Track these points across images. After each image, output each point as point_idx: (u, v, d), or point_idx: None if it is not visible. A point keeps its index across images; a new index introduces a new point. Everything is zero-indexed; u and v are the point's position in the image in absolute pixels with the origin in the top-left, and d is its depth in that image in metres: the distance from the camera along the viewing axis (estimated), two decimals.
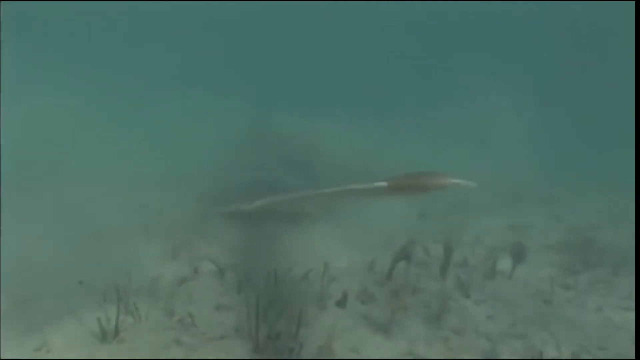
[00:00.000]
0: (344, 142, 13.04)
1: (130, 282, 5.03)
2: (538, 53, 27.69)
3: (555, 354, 3.94)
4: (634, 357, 3.91)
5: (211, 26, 28.60)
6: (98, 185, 7.85)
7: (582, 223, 8.73)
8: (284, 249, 6.20)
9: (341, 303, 4.63)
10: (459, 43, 27.51)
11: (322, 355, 3.79)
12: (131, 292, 4.93)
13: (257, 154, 9.60)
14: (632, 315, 4.78)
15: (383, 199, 3.35)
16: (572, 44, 26.22)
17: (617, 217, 9.11)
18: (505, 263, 5.99)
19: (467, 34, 27.33)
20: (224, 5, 25.49)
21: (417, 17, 26.41)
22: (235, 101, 14.29)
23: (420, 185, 2.65)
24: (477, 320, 4.54)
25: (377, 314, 4.55)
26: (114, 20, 25.87)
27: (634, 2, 14.51)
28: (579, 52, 26.21)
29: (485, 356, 3.93)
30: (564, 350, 3.94)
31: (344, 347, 3.94)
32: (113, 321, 4.04)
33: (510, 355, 3.94)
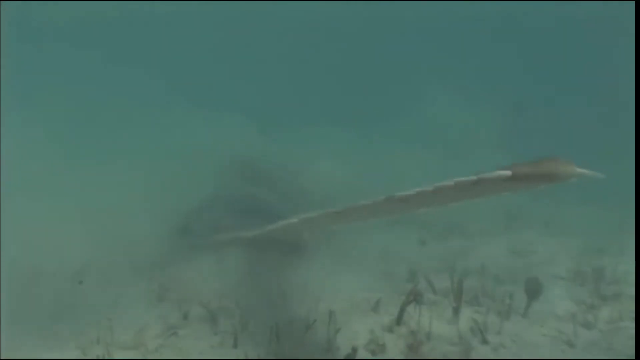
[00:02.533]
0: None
1: (113, 335, 4.52)
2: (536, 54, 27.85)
3: None
4: (634, 357, 3.56)
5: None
6: (73, 216, 7.32)
7: (586, 247, 8.44)
8: (280, 290, 5.73)
9: (350, 357, 4.17)
10: (447, 43, 27.52)
11: None
12: (114, 346, 4.43)
13: (248, 178, 9.17)
14: None
15: (494, 194, 2.85)
16: (571, 44, 26.41)
17: (622, 240, 8.83)
18: (517, 297, 5.63)
19: (461, 34, 27.36)
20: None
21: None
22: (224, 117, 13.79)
23: (548, 173, 2.26)
24: None
25: None
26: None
27: (634, 2, 14.50)
28: (578, 52, 26.39)
29: None
30: None
31: None
32: None
33: None
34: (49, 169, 8.89)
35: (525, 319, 5.28)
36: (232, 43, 29.82)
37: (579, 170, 2.27)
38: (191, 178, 9.05)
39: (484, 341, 4.61)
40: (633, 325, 5.22)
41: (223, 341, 4.62)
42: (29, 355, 4.28)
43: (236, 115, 14.59)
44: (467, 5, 24.25)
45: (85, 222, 6.92)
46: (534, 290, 5.32)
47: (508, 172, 2.28)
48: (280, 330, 4.25)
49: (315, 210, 3.73)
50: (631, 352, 4.59)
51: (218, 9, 25.10)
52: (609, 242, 8.99)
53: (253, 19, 26.61)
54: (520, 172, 2.28)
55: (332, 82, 28.80)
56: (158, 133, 12.73)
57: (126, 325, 4.92)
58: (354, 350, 4.19)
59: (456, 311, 5.13)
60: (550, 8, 23.38)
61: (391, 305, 5.44)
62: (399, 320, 4.89)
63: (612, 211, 11.98)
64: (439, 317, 5.12)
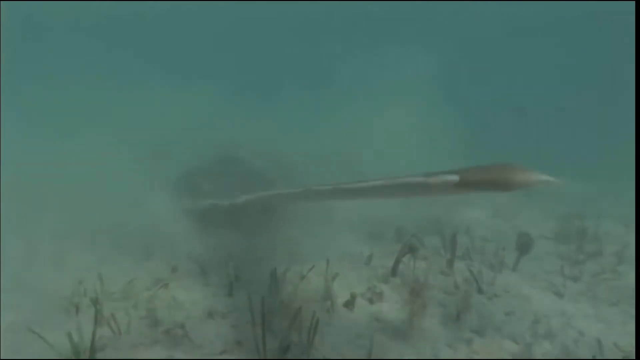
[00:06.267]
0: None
1: (103, 285, 4.36)
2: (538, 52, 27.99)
3: (589, 355, 3.61)
4: (634, 357, 3.64)
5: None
6: (60, 179, 7.11)
7: (566, 212, 8.63)
8: (273, 244, 5.66)
9: (349, 304, 4.14)
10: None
11: None
12: (104, 297, 4.26)
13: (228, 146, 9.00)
14: None
15: (442, 195, 2.65)
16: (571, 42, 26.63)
17: (601, 206, 9.08)
18: (506, 254, 5.72)
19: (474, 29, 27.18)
20: None
21: None
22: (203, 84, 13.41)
23: (501, 181, 1.99)
24: (497, 319, 4.16)
25: (389, 315, 4.10)
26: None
27: (634, 2, 14.59)
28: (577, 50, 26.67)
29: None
30: (600, 351, 3.62)
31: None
32: (86, 335, 3.36)
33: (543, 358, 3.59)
34: (36, 140, 8.73)
35: (515, 272, 5.37)
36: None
37: (542, 178, 2.01)
38: (172, 147, 8.85)
39: (480, 290, 4.65)
40: (614, 277, 5.40)
41: (216, 292, 4.51)
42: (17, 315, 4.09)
43: (208, 83, 14.22)
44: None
45: (71, 186, 6.73)
46: (525, 245, 5.40)
47: (455, 178, 2.05)
48: (278, 276, 4.16)
49: (276, 189, 3.64)
50: (614, 300, 4.74)
51: None
52: (587, 208, 9.23)
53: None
54: (468, 178, 2.04)
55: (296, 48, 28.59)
56: (139, 104, 12.38)
57: (114, 279, 4.75)
58: (353, 297, 4.16)
59: (450, 263, 5.16)
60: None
61: (383, 260, 5.45)
62: (394, 272, 4.89)
63: (588, 181, 12.32)
64: (432, 270, 5.14)
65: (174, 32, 27.51)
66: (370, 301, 4.34)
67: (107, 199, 6.80)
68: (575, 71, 25.87)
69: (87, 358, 3.14)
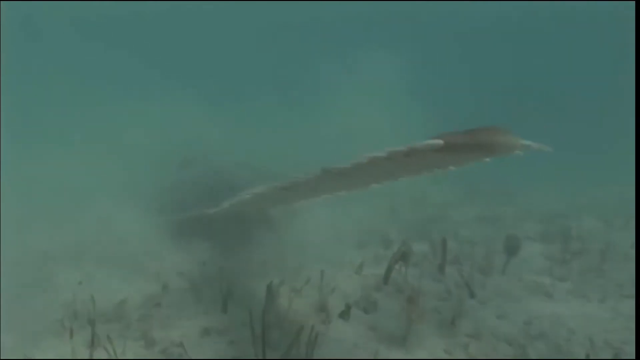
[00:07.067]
0: None
1: (94, 306, 4.27)
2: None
3: (581, 353, 3.69)
4: (634, 357, 3.73)
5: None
6: (42, 194, 6.98)
7: (548, 213, 8.82)
8: (262, 256, 5.64)
9: (345, 314, 4.15)
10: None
11: None
12: (95, 318, 4.18)
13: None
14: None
15: (427, 168, 2.53)
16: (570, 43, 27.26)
17: (580, 205, 9.31)
18: (494, 257, 5.81)
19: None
20: None
21: None
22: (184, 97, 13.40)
23: (485, 143, 1.93)
24: (490, 322, 4.22)
25: (384, 324, 4.11)
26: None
27: (634, 2, 14.91)
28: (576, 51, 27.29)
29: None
30: (592, 348, 3.70)
31: None
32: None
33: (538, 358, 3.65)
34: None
35: (505, 275, 5.45)
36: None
37: (522, 141, 1.95)
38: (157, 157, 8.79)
39: (472, 295, 4.71)
40: (600, 274, 5.54)
41: (209, 308, 4.47)
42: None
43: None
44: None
45: (53, 203, 6.64)
46: (513, 247, 5.50)
47: (440, 142, 1.96)
48: (273, 290, 4.15)
49: (262, 186, 3.52)
50: (602, 297, 4.86)
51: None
52: (567, 209, 9.45)
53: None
54: (453, 141, 1.96)
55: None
56: (135, 105, 12.33)
57: (104, 299, 4.67)
58: (348, 307, 4.17)
59: (441, 268, 5.22)
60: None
61: (373, 268, 5.49)
62: (386, 280, 4.92)
63: (565, 184, 12.64)
64: (424, 276, 5.19)
65: (170, 33, 27.53)
66: (365, 310, 4.36)
67: (92, 212, 6.72)
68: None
69: None
